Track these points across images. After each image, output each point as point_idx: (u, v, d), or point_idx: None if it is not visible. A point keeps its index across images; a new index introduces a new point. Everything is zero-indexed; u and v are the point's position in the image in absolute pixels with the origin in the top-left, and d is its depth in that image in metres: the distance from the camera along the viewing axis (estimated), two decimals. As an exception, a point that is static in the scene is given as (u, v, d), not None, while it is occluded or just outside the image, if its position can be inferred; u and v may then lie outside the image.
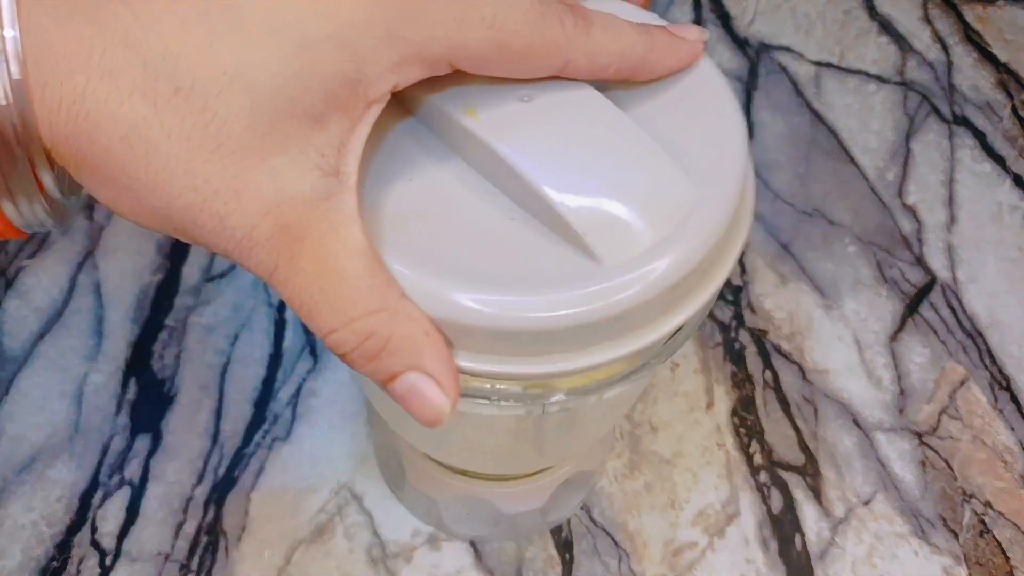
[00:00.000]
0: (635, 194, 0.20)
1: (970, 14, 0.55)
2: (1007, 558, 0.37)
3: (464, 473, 0.34)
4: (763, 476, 0.39)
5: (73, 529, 0.37)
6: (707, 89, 0.23)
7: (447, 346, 0.21)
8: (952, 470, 0.39)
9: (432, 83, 0.21)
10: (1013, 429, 0.40)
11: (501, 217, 0.21)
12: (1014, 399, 0.41)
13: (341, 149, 0.19)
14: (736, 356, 0.42)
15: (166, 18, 0.18)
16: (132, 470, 0.38)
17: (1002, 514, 0.38)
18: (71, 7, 0.17)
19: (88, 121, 0.18)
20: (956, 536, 0.37)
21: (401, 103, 0.22)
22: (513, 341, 0.20)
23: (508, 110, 0.21)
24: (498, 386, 0.22)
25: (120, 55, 0.17)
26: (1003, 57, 0.53)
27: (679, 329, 0.22)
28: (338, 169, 0.19)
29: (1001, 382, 0.41)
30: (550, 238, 0.20)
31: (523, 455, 0.28)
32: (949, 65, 0.53)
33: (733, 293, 0.44)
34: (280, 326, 0.42)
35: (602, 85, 0.22)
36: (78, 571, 0.36)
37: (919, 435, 0.40)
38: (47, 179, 0.19)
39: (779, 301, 0.44)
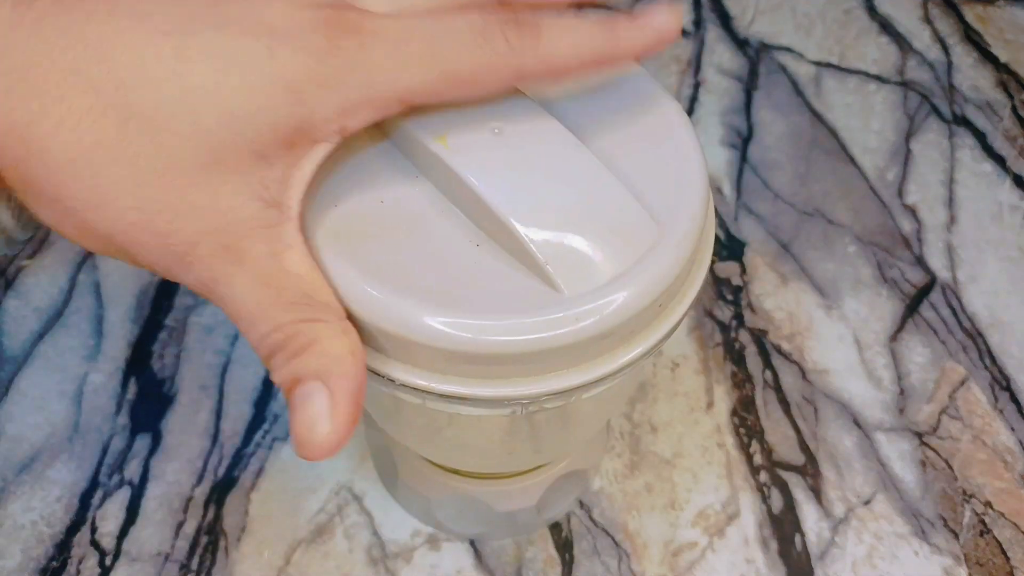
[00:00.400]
0: (597, 228, 0.21)
1: (970, 14, 0.55)
2: (1007, 558, 0.37)
3: (456, 472, 0.34)
4: (763, 476, 0.39)
5: (73, 529, 0.37)
6: (671, 130, 0.24)
7: (362, 378, 0.20)
8: (952, 470, 0.39)
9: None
10: (1013, 429, 0.40)
11: (467, 242, 0.22)
12: (1014, 399, 0.41)
13: (284, 183, 0.20)
14: (736, 356, 0.42)
15: (117, 48, 0.18)
16: (132, 470, 0.38)
17: (1002, 514, 0.38)
18: (26, 37, 0.18)
19: (39, 145, 0.18)
20: (956, 536, 0.37)
21: (377, 125, 0.23)
22: (472, 363, 0.21)
23: (478, 139, 0.22)
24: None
25: (73, 83, 0.18)
26: (1003, 57, 0.53)
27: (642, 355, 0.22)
28: (280, 201, 0.20)
29: (1001, 382, 0.41)
30: (512, 266, 0.21)
31: (514, 454, 0.29)
32: (949, 65, 0.53)
33: (733, 293, 0.44)
34: (280, 326, 0.42)
35: (571, 122, 0.22)
36: (78, 571, 0.36)
37: (919, 435, 0.40)
38: (2, 208, 0.20)
39: (779, 301, 0.44)
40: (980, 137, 0.50)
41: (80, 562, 0.36)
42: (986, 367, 0.42)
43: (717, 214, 0.46)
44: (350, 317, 0.21)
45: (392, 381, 0.22)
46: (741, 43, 0.54)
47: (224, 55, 0.19)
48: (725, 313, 0.43)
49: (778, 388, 0.41)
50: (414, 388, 0.21)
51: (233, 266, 0.20)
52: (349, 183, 0.22)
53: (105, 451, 0.39)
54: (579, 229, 0.21)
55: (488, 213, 0.21)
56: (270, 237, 0.20)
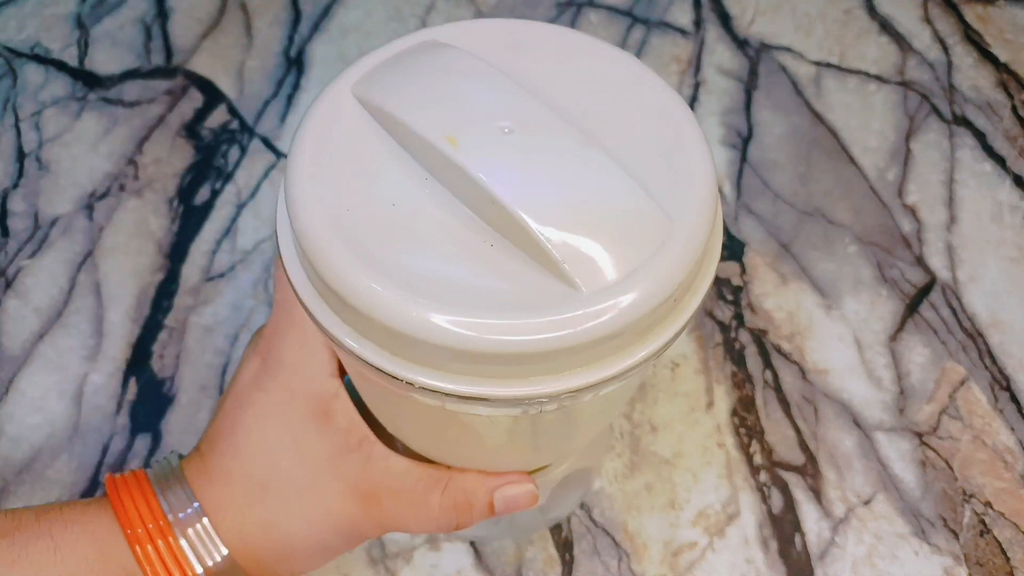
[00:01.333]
0: (611, 224, 0.21)
1: (970, 14, 0.55)
2: (1007, 558, 0.37)
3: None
4: (763, 476, 0.39)
5: (73, 529, 0.37)
6: (677, 125, 0.24)
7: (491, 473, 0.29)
8: (952, 470, 0.39)
9: (412, 109, 0.22)
10: (1013, 429, 0.40)
11: (480, 243, 0.21)
12: (1014, 399, 0.41)
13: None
14: (736, 356, 0.42)
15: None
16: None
17: (1002, 514, 0.38)
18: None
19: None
20: (956, 536, 0.37)
21: (385, 128, 0.23)
22: (492, 363, 0.21)
23: (489, 139, 0.22)
24: None
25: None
26: (1003, 57, 0.53)
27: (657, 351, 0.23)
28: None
29: (1001, 382, 0.41)
30: (528, 265, 0.21)
31: (520, 455, 0.29)
32: (949, 65, 0.53)
33: (733, 293, 0.44)
34: (280, 326, 0.42)
35: (577, 120, 0.23)
36: (78, 571, 0.36)
37: (919, 435, 0.40)
38: None
39: (779, 301, 0.44)
40: (980, 137, 0.50)
41: (80, 562, 0.36)
42: (986, 367, 0.42)
43: (717, 214, 0.47)
44: (369, 321, 0.21)
45: (411, 384, 0.22)
46: (741, 43, 0.54)
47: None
48: (725, 313, 0.43)
49: (778, 388, 0.41)
50: (434, 391, 0.21)
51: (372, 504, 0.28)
52: (359, 188, 0.22)
53: (105, 451, 0.39)
54: (593, 226, 0.21)
55: (502, 212, 0.21)
56: (367, 465, 0.28)
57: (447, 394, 0.21)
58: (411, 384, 0.21)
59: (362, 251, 0.21)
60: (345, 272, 0.21)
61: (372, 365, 0.22)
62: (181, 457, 0.29)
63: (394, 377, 0.22)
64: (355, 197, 0.22)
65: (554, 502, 0.36)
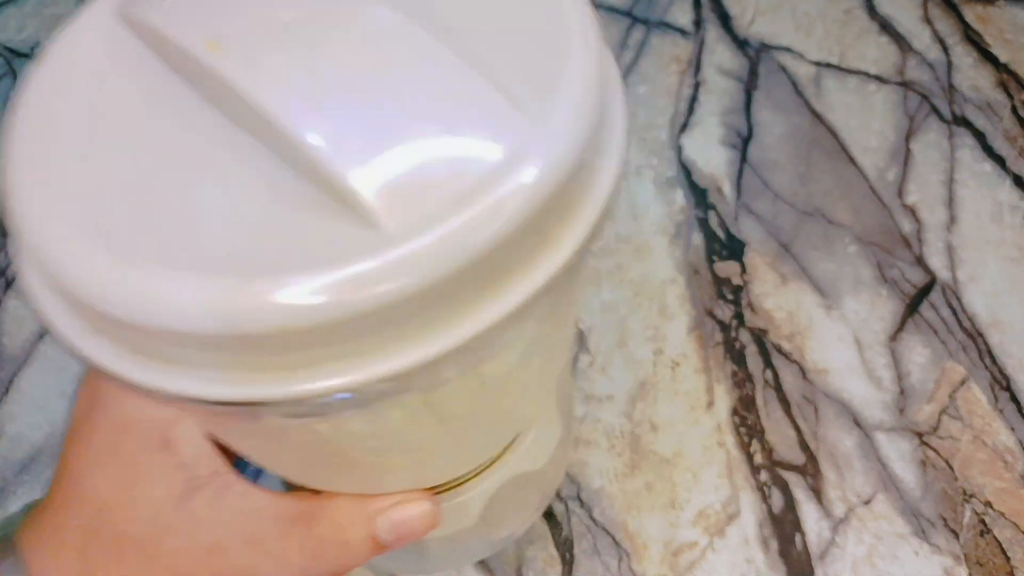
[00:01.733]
0: (432, 131, 0.15)
1: (970, 14, 0.55)
2: (1007, 558, 0.37)
3: None
4: (763, 476, 0.39)
5: (73, 529, 0.37)
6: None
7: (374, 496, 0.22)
8: (952, 470, 0.39)
9: (175, 15, 0.17)
10: (1013, 429, 0.40)
11: (263, 186, 0.16)
12: (1014, 399, 0.41)
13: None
14: (736, 356, 0.42)
15: None
16: (132, 470, 0.38)
17: (1002, 514, 0.38)
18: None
19: None
20: (956, 536, 0.37)
21: (157, 52, 0.18)
22: (255, 352, 0.15)
23: (261, 39, 0.16)
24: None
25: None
26: (1003, 57, 0.53)
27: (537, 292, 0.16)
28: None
29: (1001, 382, 0.41)
30: (322, 206, 0.15)
31: (408, 469, 0.23)
32: (949, 65, 0.53)
33: (733, 292, 0.44)
34: (280, 326, 0.42)
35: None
36: (78, 571, 0.36)
37: (919, 435, 0.40)
38: None
39: (779, 301, 0.44)
40: (980, 137, 0.50)
41: (80, 562, 0.36)
42: (986, 367, 0.42)
43: (717, 213, 0.47)
44: (89, 310, 0.15)
45: (149, 392, 0.16)
46: (741, 43, 0.54)
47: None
48: (725, 313, 0.43)
49: (778, 388, 0.41)
50: (184, 399, 0.16)
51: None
52: (95, 134, 0.17)
53: (105, 451, 0.39)
54: (405, 136, 0.15)
55: (279, 135, 0.15)
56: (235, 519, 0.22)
57: (203, 401, 0.16)
58: (149, 392, 0.16)
59: (82, 212, 0.15)
60: (49, 239, 0.15)
61: (104, 369, 0.16)
62: (31, 507, 0.24)
63: (131, 384, 0.16)
64: (87, 145, 0.16)
65: (497, 516, 0.29)
